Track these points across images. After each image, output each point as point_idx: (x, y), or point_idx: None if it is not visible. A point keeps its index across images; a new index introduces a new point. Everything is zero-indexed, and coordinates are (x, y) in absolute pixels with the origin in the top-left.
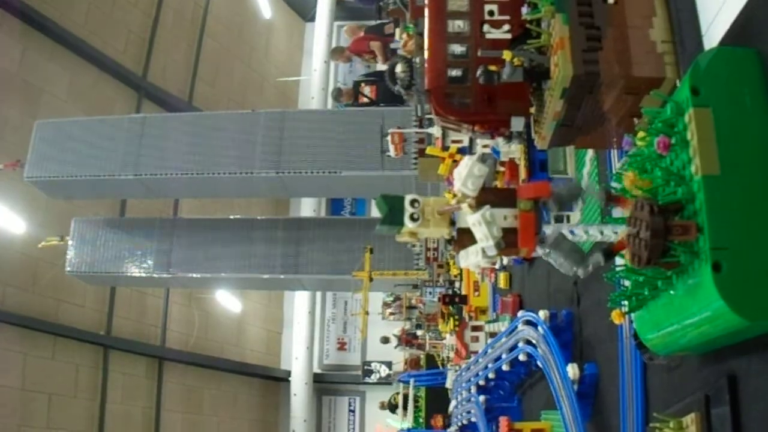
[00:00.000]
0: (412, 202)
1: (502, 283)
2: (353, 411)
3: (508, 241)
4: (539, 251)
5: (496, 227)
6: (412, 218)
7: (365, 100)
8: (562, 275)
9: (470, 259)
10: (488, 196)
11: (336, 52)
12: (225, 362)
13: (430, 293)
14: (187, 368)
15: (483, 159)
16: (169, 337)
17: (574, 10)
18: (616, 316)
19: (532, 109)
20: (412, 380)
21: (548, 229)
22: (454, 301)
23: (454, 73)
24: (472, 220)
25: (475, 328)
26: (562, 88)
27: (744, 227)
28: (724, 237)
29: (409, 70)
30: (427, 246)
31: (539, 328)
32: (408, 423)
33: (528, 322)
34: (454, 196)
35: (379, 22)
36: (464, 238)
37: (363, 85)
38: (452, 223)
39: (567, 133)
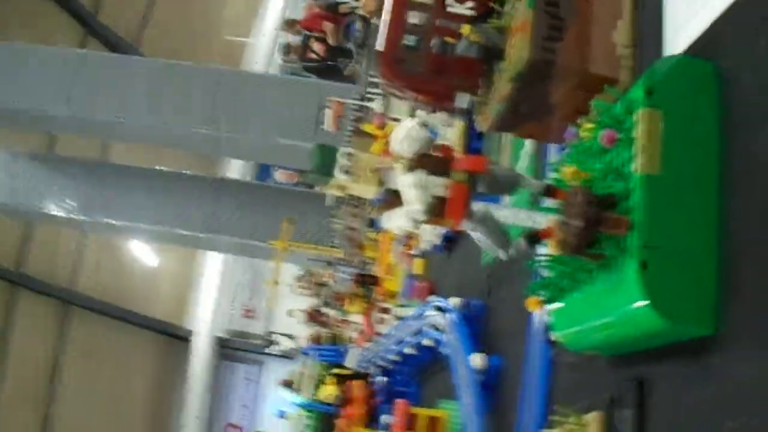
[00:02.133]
0: (348, 155)
1: (418, 269)
2: (250, 380)
3: (436, 210)
4: (465, 225)
5: (428, 192)
6: (345, 171)
7: (313, 56)
8: (476, 267)
9: (394, 221)
10: (424, 162)
11: (288, 24)
12: (132, 315)
13: (343, 272)
14: (93, 316)
15: (423, 124)
16: (79, 282)
17: None
18: (531, 303)
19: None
20: (312, 353)
21: (477, 206)
22: (366, 282)
23: (410, 40)
24: (405, 181)
25: (384, 311)
26: (516, 71)
27: (676, 229)
28: (655, 236)
29: (365, 30)
30: (348, 225)
31: (447, 315)
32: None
33: (438, 308)
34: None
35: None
36: (392, 199)
37: (313, 40)
38: (381, 183)
39: (511, 118)
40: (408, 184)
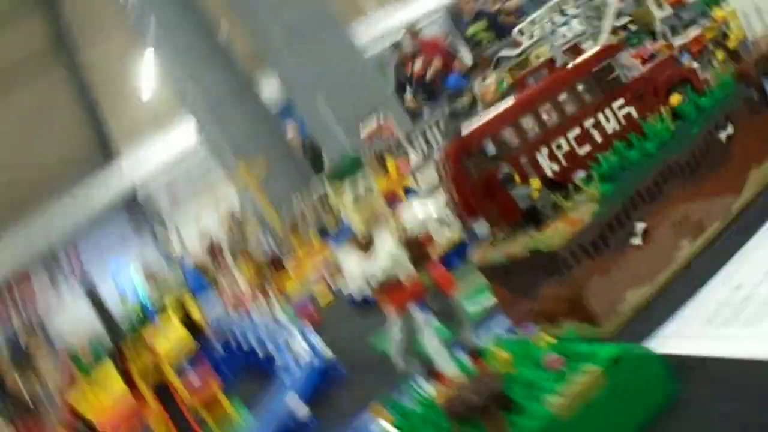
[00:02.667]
0: (366, 187)
1: (321, 298)
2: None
3: (387, 286)
4: (394, 317)
5: (394, 269)
6: (354, 196)
7: (407, 70)
8: (363, 343)
9: (348, 260)
10: (411, 245)
11: (413, 31)
12: None
13: (267, 242)
14: None
15: (442, 221)
16: None
17: (623, 196)
18: (377, 410)
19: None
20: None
21: (417, 313)
22: (275, 264)
23: (490, 148)
24: (386, 244)
25: (264, 293)
26: (536, 247)
27: None
28: None
29: (462, 99)
30: (304, 213)
31: (311, 353)
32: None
33: (307, 340)
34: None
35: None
36: (361, 243)
37: (419, 59)
38: (367, 224)
39: (499, 275)
40: (387, 248)
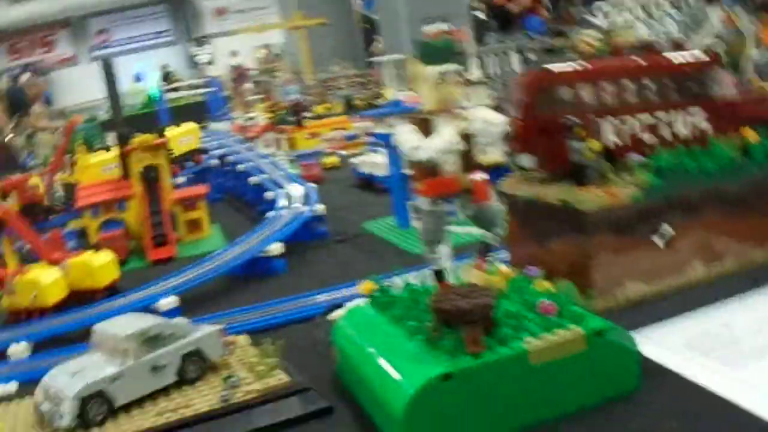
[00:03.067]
0: (456, 70)
1: (329, 162)
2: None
3: (430, 168)
4: (427, 201)
5: (444, 155)
6: (440, 77)
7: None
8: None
9: (402, 132)
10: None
11: None
12: None
13: (293, 90)
14: None
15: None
16: None
17: (665, 196)
18: (366, 285)
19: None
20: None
21: (447, 206)
22: (297, 110)
23: (565, 94)
24: (445, 131)
25: (280, 132)
26: (566, 202)
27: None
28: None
29: (562, 50)
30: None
31: (308, 203)
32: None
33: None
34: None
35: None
36: (421, 124)
37: None
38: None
39: (521, 211)
40: (447, 135)
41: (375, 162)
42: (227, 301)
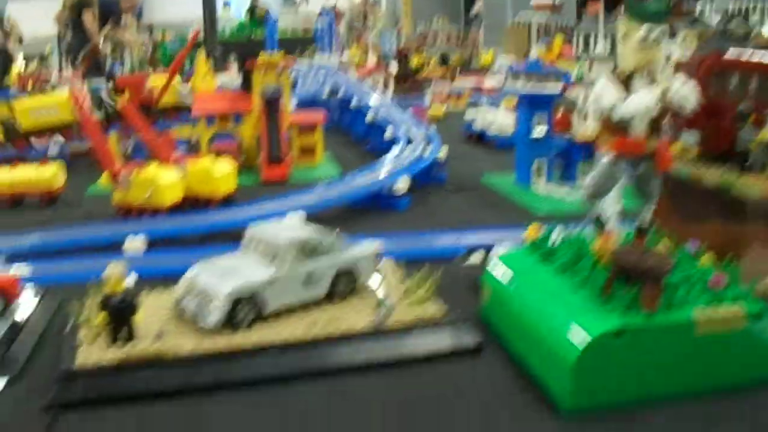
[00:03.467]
0: (656, 36)
1: (435, 111)
2: None
3: (619, 126)
4: (609, 155)
5: (641, 113)
6: (656, 36)
7: None
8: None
9: (603, 91)
10: (662, 111)
11: None
12: None
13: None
14: None
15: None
16: None
17: None
18: (533, 228)
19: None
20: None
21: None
22: (401, 57)
23: (736, 81)
24: (646, 95)
25: (386, 80)
26: (729, 187)
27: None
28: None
29: (744, 37)
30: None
31: (427, 141)
32: None
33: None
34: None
35: None
36: (625, 81)
37: None
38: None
39: (679, 191)
40: (644, 96)
41: (491, 119)
42: (347, 230)
